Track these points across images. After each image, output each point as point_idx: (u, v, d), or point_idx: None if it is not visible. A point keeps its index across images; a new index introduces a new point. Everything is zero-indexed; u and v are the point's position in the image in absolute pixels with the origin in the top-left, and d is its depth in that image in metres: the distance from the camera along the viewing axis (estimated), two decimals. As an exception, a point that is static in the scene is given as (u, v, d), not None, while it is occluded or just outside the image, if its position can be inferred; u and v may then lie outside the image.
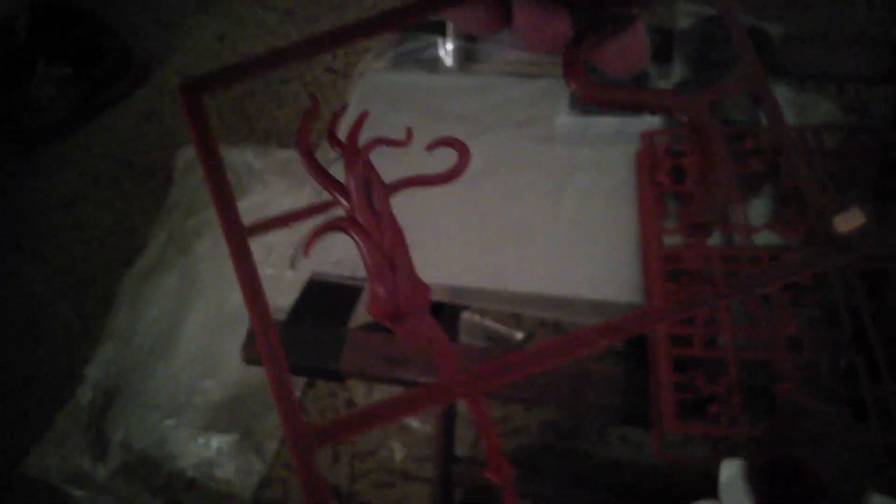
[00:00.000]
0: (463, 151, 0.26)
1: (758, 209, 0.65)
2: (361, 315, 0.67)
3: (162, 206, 1.45)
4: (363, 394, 1.20)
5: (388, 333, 0.65)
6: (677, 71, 0.74)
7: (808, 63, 0.78)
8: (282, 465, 1.17)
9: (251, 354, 0.66)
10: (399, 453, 1.15)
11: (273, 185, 1.42)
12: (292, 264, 0.70)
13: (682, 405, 0.55)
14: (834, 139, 0.68)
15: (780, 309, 0.56)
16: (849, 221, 0.23)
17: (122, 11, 1.78)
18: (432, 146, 0.26)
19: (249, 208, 1.40)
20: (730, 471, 0.48)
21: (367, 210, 0.26)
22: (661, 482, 1.04)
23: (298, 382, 1.20)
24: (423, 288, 0.26)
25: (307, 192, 0.77)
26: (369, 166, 0.26)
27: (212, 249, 1.36)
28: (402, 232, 0.26)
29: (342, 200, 0.26)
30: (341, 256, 0.70)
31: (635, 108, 0.26)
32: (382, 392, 1.19)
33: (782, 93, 0.74)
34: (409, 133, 0.26)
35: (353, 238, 0.26)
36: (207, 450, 1.15)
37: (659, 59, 0.76)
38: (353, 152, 0.26)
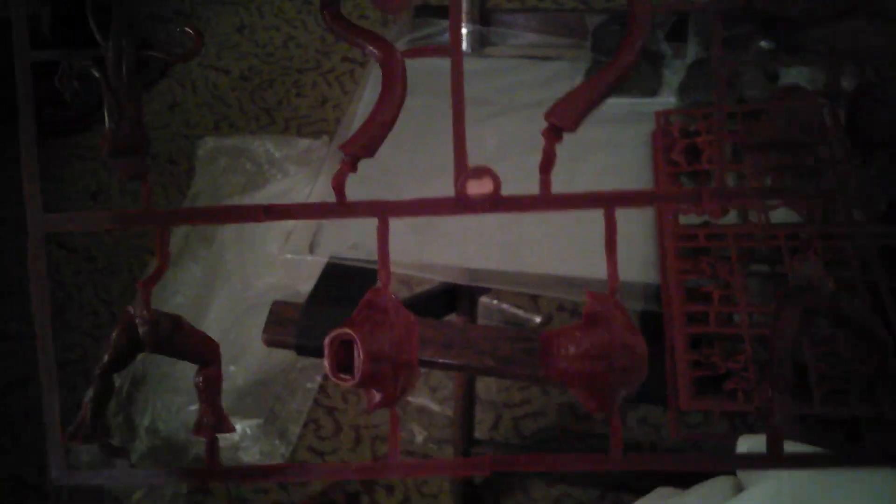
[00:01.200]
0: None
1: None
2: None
3: (185, 195, 1.47)
4: (384, 378, 1.21)
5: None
6: (692, 50, 0.74)
7: (828, 41, 0.77)
8: (305, 447, 1.18)
9: (273, 337, 0.67)
10: (419, 435, 1.16)
11: (293, 173, 1.43)
12: (311, 249, 0.71)
13: (698, 382, 0.55)
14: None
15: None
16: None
17: (142, 3, 1.80)
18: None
19: (270, 197, 1.42)
20: (747, 446, 0.48)
21: None
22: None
23: (320, 366, 1.22)
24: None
25: (322, 181, 0.78)
26: None
27: (235, 237, 1.38)
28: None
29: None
30: (358, 240, 0.70)
31: None
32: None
33: (799, 71, 0.73)
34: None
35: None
36: (232, 434, 1.17)
37: (674, 38, 0.76)
38: None
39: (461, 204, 0.25)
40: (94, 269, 1.45)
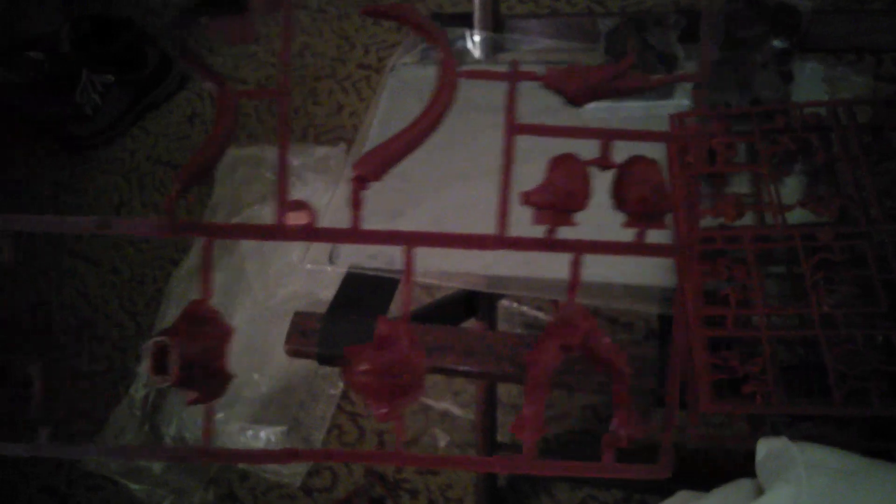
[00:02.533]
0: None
1: (790, 187, 0.65)
2: (399, 306, 0.69)
3: (206, 205, 1.49)
4: (406, 383, 1.22)
5: (426, 323, 0.67)
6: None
7: (840, 36, 0.77)
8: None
9: (295, 347, 0.68)
10: (442, 440, 1.16)
11: (311, 181, 1.44)
12: (330, 259, 0.72)
13: (717, 385, 0.55)
14: (867, 114, 0.68)
15: (814, 286, 0.56)
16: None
17: (159, 17, 1.83)
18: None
19: (289, 205, 1.43)
20: (766, 449, 0.49)
21: None
22: (704, 462, 1.04)
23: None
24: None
25: (342, 189, 0.79)
26: None
27: (256, 247, 1.40)
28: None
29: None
30: (377, 250, 0.71)
31: None
32: (430, 373, 1.21)
33: (814, 70, 0.73)
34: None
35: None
36: (257, 441, 1.19)
37: (686, 40, 0.76)
38: None
39: (279, 233, 0.29)
40: (119, 282, 1.47)
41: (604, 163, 0.30)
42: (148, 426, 1.25)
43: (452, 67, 0.29)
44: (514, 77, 0.30)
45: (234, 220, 1.43)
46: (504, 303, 1.22)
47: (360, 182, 0.29)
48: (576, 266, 0.30)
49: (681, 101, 0.73)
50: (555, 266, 0.71)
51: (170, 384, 0.30)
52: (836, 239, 0.58)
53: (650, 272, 0.65)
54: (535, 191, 0.30)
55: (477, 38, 0.84)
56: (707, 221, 0.64)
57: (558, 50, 0.85)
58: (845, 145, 0.64)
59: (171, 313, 1.37)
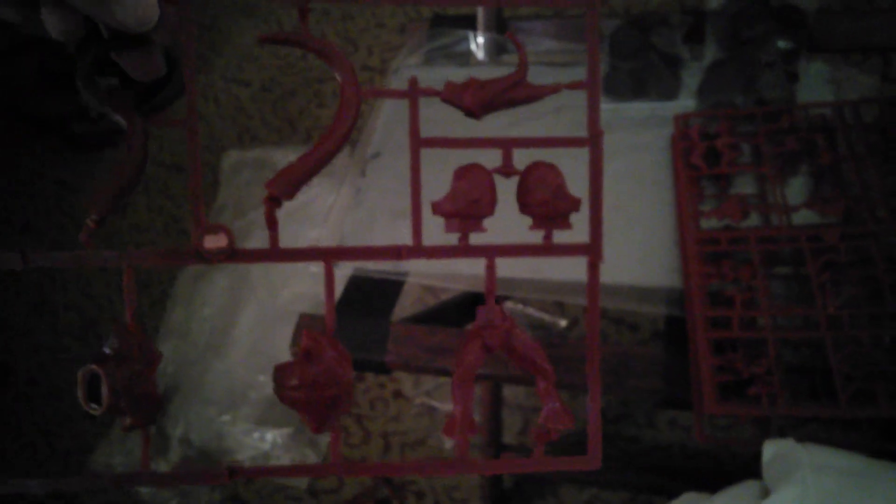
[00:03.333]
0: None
1: (795, 188, 0.65)
2: (403, 308, 0.69)
3: (210, 208, 1.49)
4: (411, 385, 1.22)
5: (431, 325, 0.67)
6: (710, 51, 0.73)
7: (847, 36, 0.77)
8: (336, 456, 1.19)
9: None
10: (448, 442, 1.16)
11: (316, 184, 1.44)
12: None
13: (722, 387, 0.55)
14: (873, 114, 0.67)
15: (820, 287, 0.56)
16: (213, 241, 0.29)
17: (162, 19, 1.83)
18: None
19: (293, 207, 1.43)
20: (773, 450, 0.48)
21: None
22: (710, 464, 1.04)
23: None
24: None
25: (345, 192, 0.79)
26: None
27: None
28: None
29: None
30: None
31: None
32: (430, 383, 1.21)
33: (819, 70, 0.73)
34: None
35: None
36: (263, 443, 1.19)
37: (691, 40, 0.76)
38: None
39: (200, 255, 0.30)
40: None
41: (506, 170, 0.32)
42: (154, 428, 1.26)
43: (354, 87, 0.30)
44: (413, 94, 0.31)
45: (239, 223, 1.43)
46: (509, 304, 1.22)
47: (273, 202, 0.30)
48: (490, 270, 0.32)
49: (685, 101, 0.73)
50: (559, 268, 0.71)
51: (101, 412, 0.30)
52: (841, 240, 0.58)
53: (656, 273, 0.65)
54: (441, 200, 0.31)
55: (480, 39, 0.84)
56: (712, 223, 0.64)
57: (562, 51, 0.85)
58: (851, 146, 0.64)
59: (177, 315, 1.37)
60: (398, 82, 0.87)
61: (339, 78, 0.31)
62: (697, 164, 0.67)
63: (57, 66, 1.59)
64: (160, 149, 1.66)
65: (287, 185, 0.31)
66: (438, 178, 0.34)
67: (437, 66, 0.86)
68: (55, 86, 1.60)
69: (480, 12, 0.84)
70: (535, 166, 0.32)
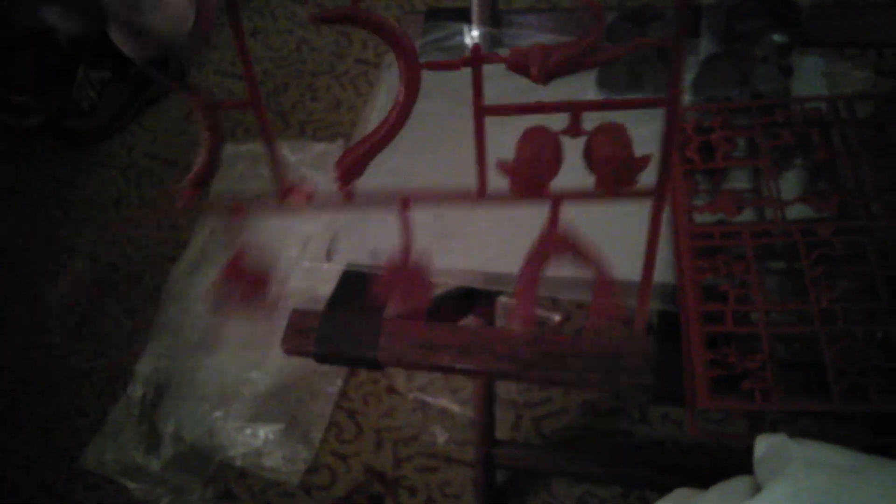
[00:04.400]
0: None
1: (790, 182, 0.65)
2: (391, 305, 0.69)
3: (203, 202, 1.48)
4: (404, 380, 1.22)
5: (424, 321, 0.67)
6: (705, 45, 0.73)
7: (842, 30, 0.77)
8: (328, 451, 1.19)
9: (292, 346, 0.67)
10: (441, 437, 1.16)
11: (309, 177, 1.44)
12: (328, 256, 0.72)
13: (715, 381, 0.55)
14: (868, 108, 0.67)
15: (814, 281, 0.56)
16: None
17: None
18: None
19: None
20: (765, 446, 0.48)
21: None
22: (704, 459, 1.04)
23: (341, 371, 1.23)
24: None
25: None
26: None
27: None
28: None
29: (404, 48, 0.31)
30: (376, 247, 0.71)
31: None
32: (423, 378, 1.21)
33: (814, 63, 0.72)
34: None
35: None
36: (256, 439, 1.19)
37: (687, 34, 0.75)
38: None
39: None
40: (117, 279, 1.46)
41: (573, 131, 0.32)
42: (146, 425, 1.25)
43: (414, 64, 0.30)
44: (477, 62, 0.31)
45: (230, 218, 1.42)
46: (503, 299, 1.22)
47: (343, 180, 0.31)
48: (555, 210, 0.34)
49: (681, 95, 0.73)
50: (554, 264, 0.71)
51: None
52: (835, 234, 0.57)
53: (649, 268, 0.65)
54: (509, 162, 0.31)
55: (475, 33, 0.83)
56: (706, 217, 0.64)
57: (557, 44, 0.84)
58: (845, 140, 0.63)
59: (171, 311, 1.36)
60: (391, 76, 0.86)
61: (398, 57, 0.31)
62: (692, 157, 0.66)
63: (52, 62, 1.58)
64: (153, 141, 1.65)
65: (353, 164, 0.32)
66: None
67: (431, 58, 0.85)
68: (50, 82, 1.59)
69: (475, 6, 0.83)
70: (602, 127, 0.32)
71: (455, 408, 1.18)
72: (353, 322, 0.67)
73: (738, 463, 0.54)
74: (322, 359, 0.67)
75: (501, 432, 1.07)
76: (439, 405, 1.19)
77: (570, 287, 0.72)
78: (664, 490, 0.58)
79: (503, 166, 0.31)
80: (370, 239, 0.72)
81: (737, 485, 0.49)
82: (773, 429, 0.53)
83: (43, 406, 1.34)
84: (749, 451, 0.49)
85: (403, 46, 0.30)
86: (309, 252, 0.73)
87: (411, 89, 0.30)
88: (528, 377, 0.64)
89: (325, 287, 0.75)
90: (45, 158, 1.68)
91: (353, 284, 0.70)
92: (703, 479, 0.54)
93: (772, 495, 0.43)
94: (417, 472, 1.15)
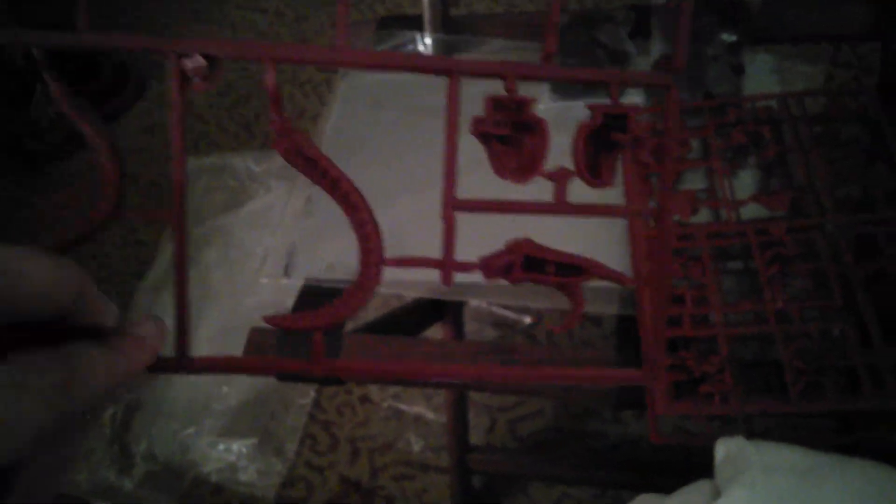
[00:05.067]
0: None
1: (744, 182, 0.65)
2: (357, 318, 0.68)
3: (168, 217, 1.47)
4: (377, 389, 1.21)
5: (385, 335, 0.66)
6: (656, 46, 0.73)
7: (792, 26, 0.77)
8: (303, 463, 1.18)
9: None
10: (416, 445, 1.16)
11: (275, 188, 1.43)
12: (286, 272, 0.71)
13: (676, 385, 0.55)
14: (819, 104, 0.68)
15: (769, 281, 0.56)
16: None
17: (113, 25, 1.79)
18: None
19: (253, 213, 1.41)
20: (725, 449, 0.48)
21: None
22: (678, 457, 1.04)
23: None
24: None
25: (296, 199, 0.77)
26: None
27: (221, 257, 1.38)
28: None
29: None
30: (333, 261, 0.70)
31: None
32: (397, 387, 1.20)
33: (764, 61, 0.73)
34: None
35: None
36: (229, 454, 1.17)
37: (637, 35, 0.75)
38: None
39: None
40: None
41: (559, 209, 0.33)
42: (118, 444, 1.23)
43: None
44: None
45: (198, 230, 1.41)
46: (473, 302, 1.22)
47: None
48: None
49: (633, 97, 0.73)
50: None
51: None
52: (788, 233, 0.58)
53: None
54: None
55: (428, 40, 0.83)
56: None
57: (515, 48, 0.84)
58: (797, 137, 0.64)
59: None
60: (346, 87, 0.86)
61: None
62: (646, 160, 0.66)
63: (6, 82, 1.55)
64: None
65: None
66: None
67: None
68: (5, 102, 1.56)
69: (426, 12, 0.82)
70: None
71: (430, 414, 1.17)
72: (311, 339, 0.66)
73: (711, 458, 0.54)
74: (283, 377, 0.66)
75: (476, 437, 1.07)
76: (414, 412, 1.18)
77: (533, 294, 0.72)
78: (639, 489, 0.58)
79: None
80: (328, 253, 0.71)
81: (697, 489, 0.49)
82: (747, 424, 0.53)
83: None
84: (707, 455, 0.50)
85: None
86: (267, 267, 0.72)
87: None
88: (488, 388, 0.63)
89: (292, 300, 0.74)
90: (1, 181, 1.64)
91: (313, 300, 0.70)
92: (679, 477, 0.54)
93: (728, 502, 0.43)
94: (394, 480, 1.15)
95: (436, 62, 0.34)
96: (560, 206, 0.32)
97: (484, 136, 0.32)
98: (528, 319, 1.20)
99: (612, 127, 0.33)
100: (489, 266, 0.33)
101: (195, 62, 0.29)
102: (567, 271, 0.33)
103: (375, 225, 0.32)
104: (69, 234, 0.28)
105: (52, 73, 0.29)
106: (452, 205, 0.32)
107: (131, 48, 0.30)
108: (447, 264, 0.33)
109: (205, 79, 0.30)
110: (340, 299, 0.33)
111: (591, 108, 0.33)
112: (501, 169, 0.33)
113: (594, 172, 0.33)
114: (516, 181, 0.33)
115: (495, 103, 0.31)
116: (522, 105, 0.32)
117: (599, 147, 0.33)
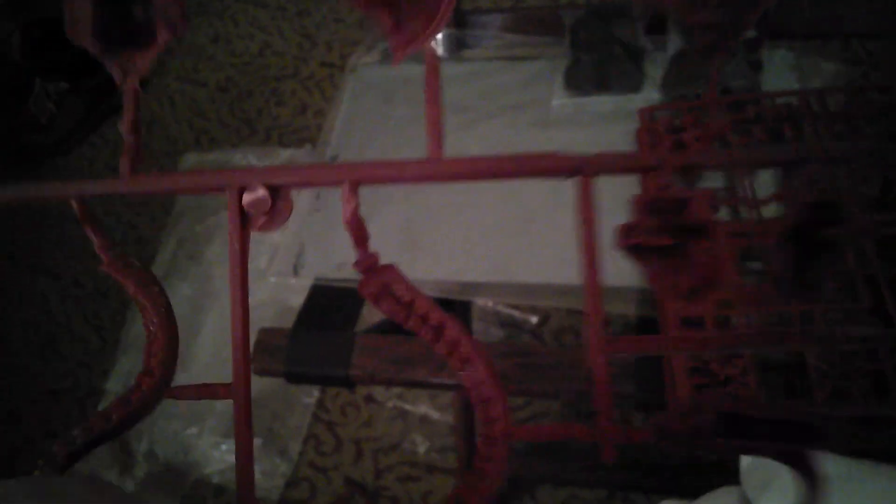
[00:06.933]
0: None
1: (765, 180, 0.64)
2: (368, 318, 0.67)
3: (169, 213, 1.45)
4: (382, 388, 1.20)
5: (397, 335, 0.65)
6: (673, 43, 0.72)
7: (809, 23, 0.76)
8: (307, 464, 1.17)
9: (262, 366, 0.65)
10: (422, 446, 1.14)
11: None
12: (295, 271, 0.69)
13: (698, 388, 0.54)
14: (838, 101, 0.66)
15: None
16: None
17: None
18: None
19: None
20: (751, 457, 0.47)
21: None
22: (685, 459, 1.03)
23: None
24: None
25: (305, 195, 0.76)
26: None
27: (223, 253, 1.36)
28: None
29: None
30: (343, 260, 0.69)
31: None
32: (402, 387, 1.18)
33: (783, 57, 0.71)
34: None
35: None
36: (232, 455, 1.16)
37: (654, 32, 0.74)
38: None
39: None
40: (82, 296, 1.43)
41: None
42: (119, 445, 1.22)
43: None
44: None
45: (199, 228, 1.39)
46: (480, 302, 1.20)
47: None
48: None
49: (649, 94, 0.71)
50: (526, 270, 0.69)
51: None
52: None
53: (627, 273, 0.63)
54: None
55: (439, 35, 0.81)
56: (681, 218, 0.63)
57: (523, 44, 0.83)
58: (818, 135, 0.62)
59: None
60: (355, 82, 0.84)
61: None
62: (664, 158, 0.65)
63: (5, 77, 1.53)
64: (114, 153, 1.61)
65: None
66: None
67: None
68: (4, 97, 1.54)
69: (437, 7, 0.81)
70: None
71: (435, 415, 1.16)
72: (323, 339, 0.64)
73: (720, 463, 0.53)
74: (292, 378, 0.64)
75: (482, 438, 1.06)
76: (419, 412, 1.17)
77: (548, 293, 0.71)
78: (649, 491, 0.57)
79: None
80: (338, 252, 0.70)
81: (725, 497, 0.48)
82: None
83: (10, 431, 1.30)
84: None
85: None
86: (275, 265, 0.70)
87: None
88: (506, 390, 0.62)
89: (297, 298, 0.73)
90: (1, 175, 1.63)
91: (323, 300, 0.68)
92: (687, 479, 0.53)
93: (761, 510, 0.41)
94: (399, 482, 1.13)
95: (564, 161, 0.26)
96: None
97: (635, 250, 0.25)
98: (534, 319, 1.19)
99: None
100: (664, 430, 0.24)
101: (255, 193, 0.25)
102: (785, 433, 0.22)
103: (499, 385, 0.25)
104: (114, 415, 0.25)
105: (94, 226, 0.25)
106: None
107: (185, 191, 0.27)
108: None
109: (266, 215, 0.25)
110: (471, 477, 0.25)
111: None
112: (667, 291, 0.25)
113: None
114: (690, 302, 0.25)
115: (650, 206, 0.23)
116: (684, 203, 0.24)
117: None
